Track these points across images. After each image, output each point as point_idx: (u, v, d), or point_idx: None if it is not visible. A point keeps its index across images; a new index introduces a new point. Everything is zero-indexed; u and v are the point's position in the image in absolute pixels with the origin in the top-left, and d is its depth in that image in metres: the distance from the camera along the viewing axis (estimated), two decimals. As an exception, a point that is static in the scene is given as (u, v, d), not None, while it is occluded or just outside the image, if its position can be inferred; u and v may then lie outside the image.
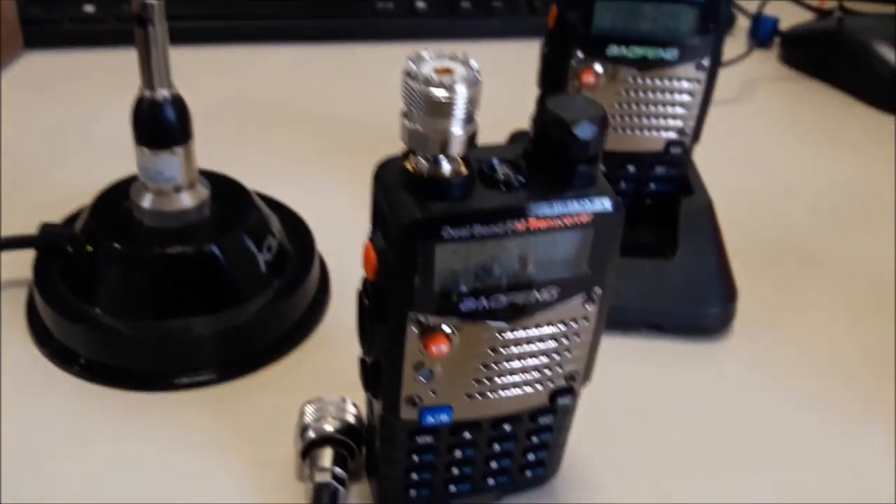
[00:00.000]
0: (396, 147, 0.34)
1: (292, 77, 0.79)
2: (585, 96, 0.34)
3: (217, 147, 0.63)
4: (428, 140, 0.32)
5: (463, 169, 0.33)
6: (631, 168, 0.56)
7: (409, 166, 0.33)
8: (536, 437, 0.41)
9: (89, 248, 0.50)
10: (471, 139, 0.33)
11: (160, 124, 0.47)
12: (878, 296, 0.59)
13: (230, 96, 0.76)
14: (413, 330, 0.34)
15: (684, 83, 0.53)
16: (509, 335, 0.36)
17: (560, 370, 0.38)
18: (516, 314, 0.35)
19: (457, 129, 0.32)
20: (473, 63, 0.32)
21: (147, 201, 0.50)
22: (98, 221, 0.50)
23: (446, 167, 0.33)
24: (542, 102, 0.34)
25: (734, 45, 0.87)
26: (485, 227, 0.33)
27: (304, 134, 0.70)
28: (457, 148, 0.32)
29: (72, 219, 0.55)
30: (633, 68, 0.52)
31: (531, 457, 0.42)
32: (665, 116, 0.54)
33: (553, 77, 0.53)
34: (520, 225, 0.33)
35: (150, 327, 0.49)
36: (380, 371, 0.36)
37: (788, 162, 0.73)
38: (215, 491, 0.43)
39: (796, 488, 0.46)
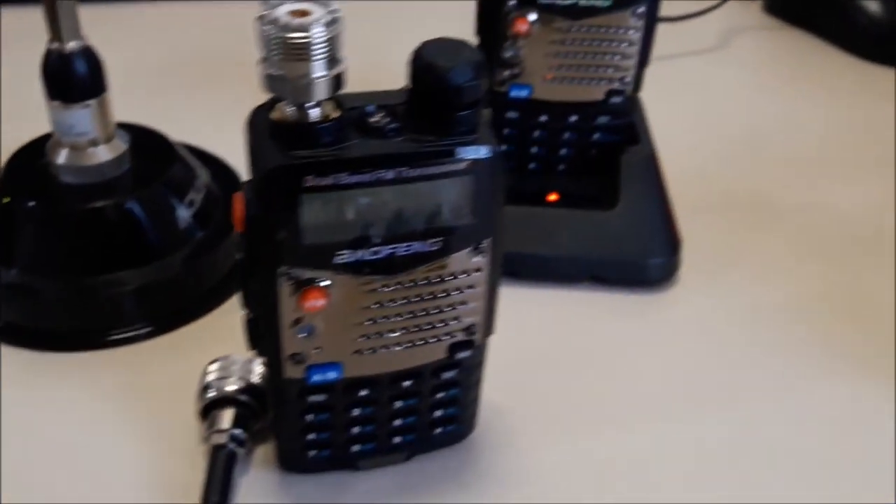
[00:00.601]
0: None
1: (235, 31, 0.77)
2: (464, 41, 0.33)
3: (153, 101, 0.63)
4: (287, 85, 0.30)
5: (333, 115, 0.32)
6: (573, 118, 0.54)
7: (275, 114, 0.32)
8: (442, 392, 0.40)
9: (6, 200, 0.48)
10: (336, 82, 0.31)
11: (70, 77, 0.46)
12: (836, 243, 0.57)
13: (173, 51, 0.75)
14: (286, 285, 0.33)
15: (621, 31, 0.51)
16: (393, 289, 0.35)
17: (456, 323, 0.37)
18: (398, 267, 0.34)
19: (318, 72, 0.30)
20: (333, 4, 0.30)
21: (62, 157, 0.49)
22: (13, 180, 0.50)
23: (314, 113, 0.31)
24: (419, 48, 0.33)
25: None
26: (354, 175, 0.31)
27: (245, 86, 0.69)
28: (321, 92, 0.31)
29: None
30: (566, 16, 0.50)
31: (439, 413, 0.41)
32: (603, 66, 0.52)
33: (488, 26, 0.52)
34: (392, 173, 0.32)
35: (68, 286, 0.48)
36: (259, 328, 0.35)
37: (763, 111, 0.71)
38: (123, 452, 0.43)
39: (740, 435, 0.45)
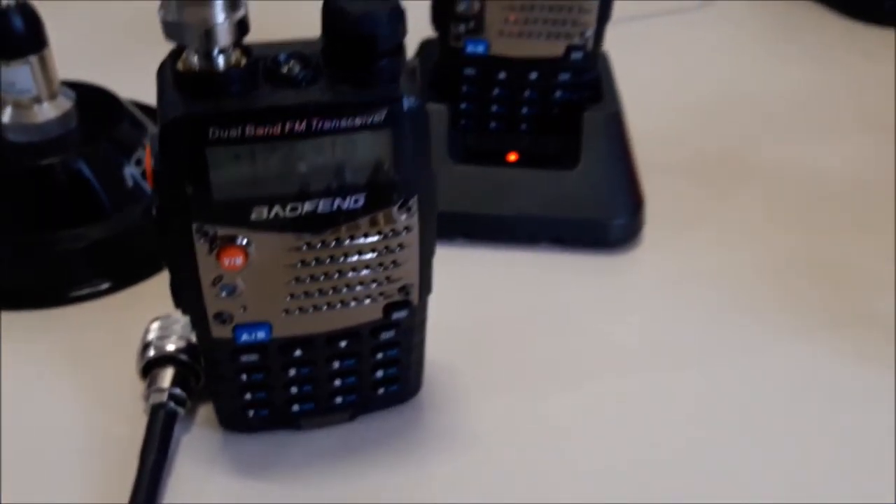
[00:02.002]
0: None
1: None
2: None
3: (105, 59, 0.62)
4: (186, 31, 0.29)
5: (242, 62, 0.31)
6: (533, 75, 0.53)
7: (179, 64, 0.31)
8: (381, 353, 0.39)
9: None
10: (239, 27, 0.30)
11: (7, 33, 0.46)
12: (806, 204, 0.56)
13: (126, 8, 0.74)
14: (202, 243, 0.32)
15: (578, -17, 0.50)
16: (317, 247, 0.34)
17: (389, 283, 0.36)
18: (321, 224, 0.33)
19: (218, 16, 0.29)
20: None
21: (6, 115, 0.48)
22: (-44, 138, 0.49)
23: (219, 61, 0.30)
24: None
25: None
26: (261, 126, 0.30)
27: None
28: (221, 38, 0.30)
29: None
30: (522, -33, 0.49)
31: (380, 374, 0.40)
32: (561, 21, 0.51)
33: (443, -21, 0.50)
34: (304, 125, 0.31)
35: (15, 243, 0.48)
36: (180, 286, 0.34)
37: (739, 70, 0.70)
38: (66, 409, 0.43)
39: (699, 395, 0.44)
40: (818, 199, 0.57)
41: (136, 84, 0.53)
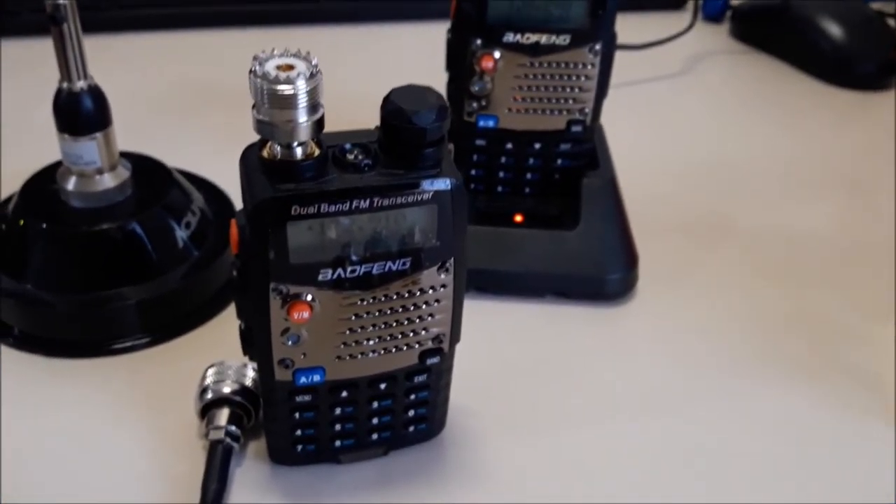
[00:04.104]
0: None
1: (221, 61, 0.82)
2: (428, 88, 0.38)
3: (150, 129, 0.68)
4: (275, 129, 0.36)
5: (315, 152, 0.37)
6: (537, 146, 0.59)
7: (264, 152, 0.37)
8: (414, 394, 0.45)
9: (21, 222, 0.53)
10: (317, 125, 0.36)
11: (78, 113, 0.51)
12: (788, 263, 0.61)
13: (173, 80, 0.80)
14: (276, 299, 0.38)
15: (579, 66, 0.56)
16: (369, 303, 0.40)
17: (425, 333, 0.42)
18: (373, 283, 0.39)
19: (300, 119, 0.36)
20: (314, 59, 0.36)
21: (71, 184, 0.54)
22: (27, 203, 0.54)
23: (298, 151, 0.36)
24: (389, 94, 0.38)
25: (686, 19, 0.90)
26: (332, 205, 0.36)
27: (231, 114, 0.74)
28: (303, 135, 0.36)
29: (5, 203, 0.58)
30: (528, 54, 0.55)
31: (412, 413, 0.46)
32: (563, 98, 0.57)
33: (457, 62, 0.57)
34: (366, 203, 0.37)
35: (76, 299, 0.53)
36: (252, 337, 0.40)
37: (725, 134, 0.76)
38: (129, 448, 0.47)
39: (692, 436, 0.49)
40: (797, 259, 0.62)
41: (168, 151, 0.59)
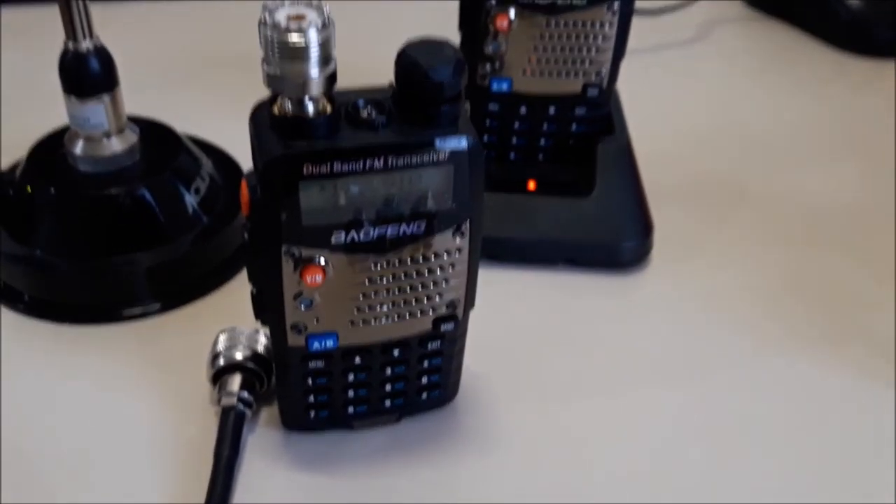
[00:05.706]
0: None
1: (230, 28, 0.81)
2: (445, 41, 0.37)
3: (159, 95, 0.67)
4: (286, 83, 0.34)
5: (328, 109, 0.36)
6: (552, 110, 0.58)
7: (275, 109, 0.36)
8: (427, 361, 0.44)
9: (28, 188, 0.53)
10: (330, 80, 0.35)
11: (85, 74, 0.50)
12: (804, 230, 0.61)
13: (182, 47, 0.79)
14: (288, 262, 0.37)
15: (596, 26, 0.55)
16: (382, 266, 0.39)
17: (440, 298, 0.41)
18: (387, 247, 0.38)
19: (313, 72, 0.34)
20: (325, 7, 0.34)
21: (79, 148, 0.53)
22: (35, 168, 0.54)
23: (310, 108, 0.35)
24: (403, 48, 0.37)
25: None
26: (346, 163, 0.35)
27: (241, 80, 0.73)
28: (315, 89, 0.35)
29: (13, 168, 0.58)
30: (544, 13, 0.54)
31: (425, 380, 0.45)
32: (580, 60, 0.56)
33: (470, 22, 0.55)
34: (381, 162, 0.36)
35: (85, 265, 0.52)
36: (264, 301, 0.39)
37: (739, 101, 0.75)
38: (141, 413, 0.47)
39: (705, 404, 0.49)
40: (811, 225, 0.61)
41: (177, 117, 0.59)
